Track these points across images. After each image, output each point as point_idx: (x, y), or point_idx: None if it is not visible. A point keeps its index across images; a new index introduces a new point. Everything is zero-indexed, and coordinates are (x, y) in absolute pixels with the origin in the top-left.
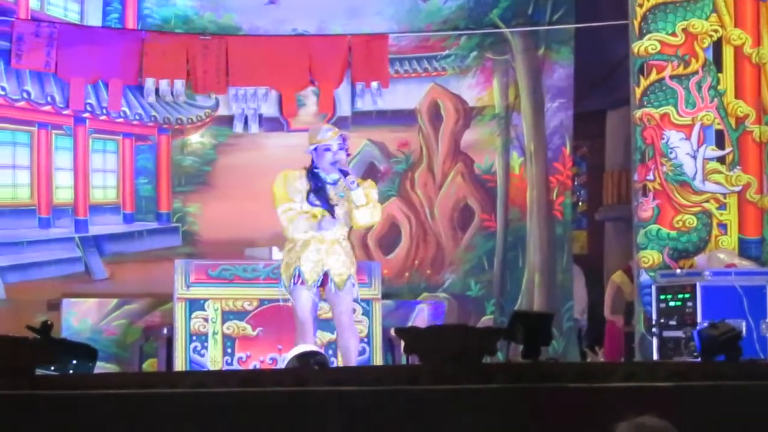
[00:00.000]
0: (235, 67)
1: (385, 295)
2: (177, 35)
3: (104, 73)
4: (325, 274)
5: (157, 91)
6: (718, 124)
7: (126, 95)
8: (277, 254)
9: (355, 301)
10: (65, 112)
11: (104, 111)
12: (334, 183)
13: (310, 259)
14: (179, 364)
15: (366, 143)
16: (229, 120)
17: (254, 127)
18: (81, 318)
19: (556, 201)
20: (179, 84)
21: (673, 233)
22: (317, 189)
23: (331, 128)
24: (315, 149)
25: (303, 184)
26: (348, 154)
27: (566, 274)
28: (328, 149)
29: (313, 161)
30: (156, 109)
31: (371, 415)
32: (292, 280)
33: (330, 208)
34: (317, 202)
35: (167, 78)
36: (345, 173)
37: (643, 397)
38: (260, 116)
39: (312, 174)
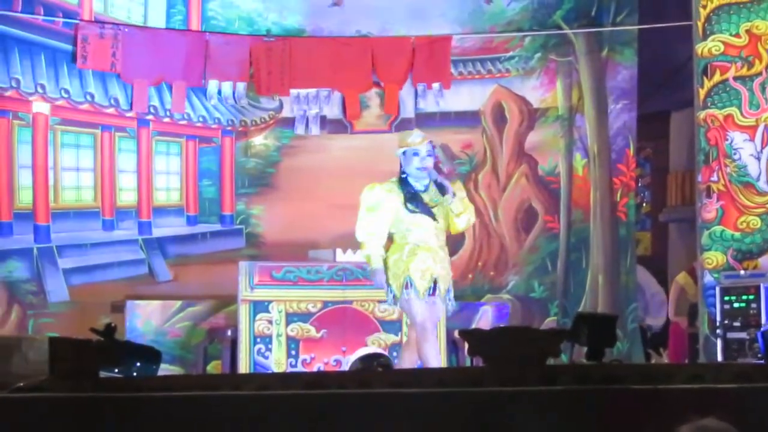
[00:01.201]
0: (298, 68)
1: None
2: (241, 37)
3: (168, 75)
4: (435, 283)
5: (219, 93)
6: None
7: (189, 97)
8: (341, 256)
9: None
10: (128, 114)
11: (167, 113)
12: (426, 188)
13: (419, 268)
14: (243, 366)
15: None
16: (292, 122)
17: (315, 129)
18: (145, 320)
19: (619, 202)
20: (241, 87)
21: (737, 234)
22: (412, 195)
23: (421, 134)
24: (404, 153)
25: (394, 197)
26: (437, 161)
27: (630, 275)
28: (416, 154)
29: (401, 166)
30: (219, 111)
31: (434, 417)
32: (404, 290)
33: (430, 212)
34: (416, 209)
35: (230, 80)
36: (441, 186)
37: (706, 399)
38: (323, 118)
39: (402, 180)
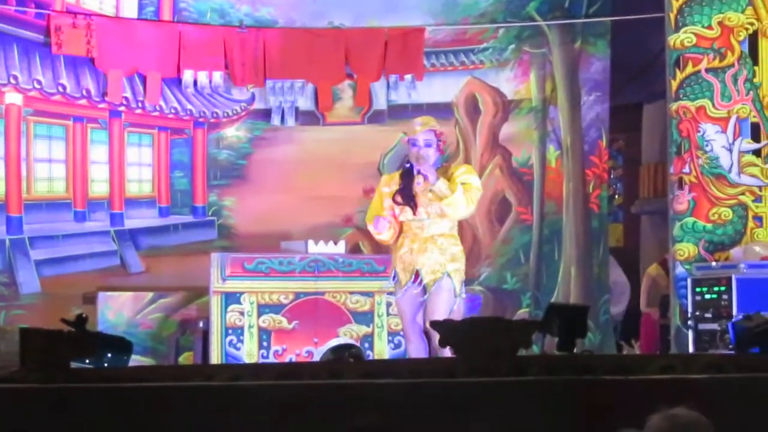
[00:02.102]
0: (272, 60)
1: None
2: (214, 27)
3: (142, 66)
4: (417, 274)
5: (195, 83)
6: (754, 116)
7: (162, 89)
8: (312, 247)
9: (457, 297)
10: (101, 105)
11: (139, 104)
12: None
13: (403, 259)
14: (215, 358)
15: (401, 137)
16: (264, 113)
17: (290, 121)
18: (117, 311)
19: (592, 194)
20: (218, 75)
21: (709, 226)
22: (403, 188)
23: (422, 122)
24: (407, 142)
25: (389, 188)
26: (440, 152)
27: (602, 267)
28: (414, 144)
29: (406, 155)
30: (191, 102)
31: (406, 407)
32: (392, 282)
33: (412, 204)
34: (401, 201)
35: (205, 70)
36: (419, 172)
37: (678, 390)
38: (297, 110)
39: (404, 171)
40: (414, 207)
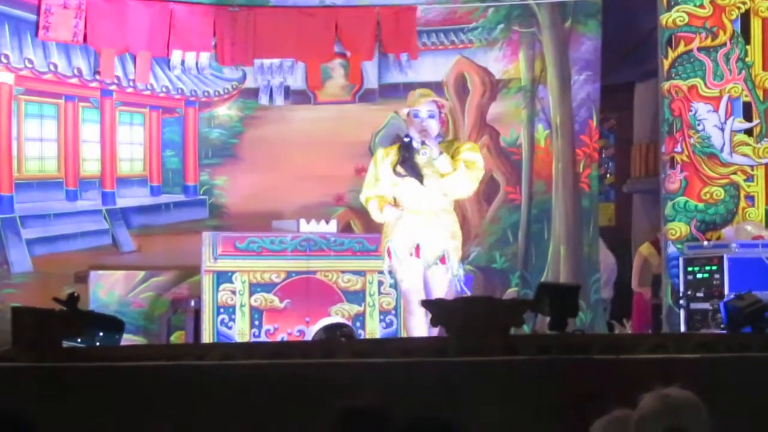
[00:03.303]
0: (261, 38)
1: None
2: (205, 6)
3: (133, 45)
4: (417, 249)
5: (182, 63)
6: (746, 96)
7: (152, 67)
8: (304, 226)
9: (459, 284)
10: (92, 84)
11: (131, 83)
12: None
13: (401, 232)
14: (207, 337)
15: (392, 116)
16: (256, 92)
17: (279, 100)
18: (108, 290)
19: (582, 173)
20: (205, 57)
21: (701, 205)
22: (405, 159)
23: (425, 93)
24: (408, 114)
25: (388, 160)
26: (442, 123)
27: (592, 246)
28: (416, 115)
29: (408, 128)
30: (183, 81)
31: (398, 386)
32: (388, 256)
33: (418, 175)
34: (404, 173)
35: (193, 50)
36: (423, 144)
37: (669, 369)
38: (287, 89)
39: (404, 143)
40: (421, 178)
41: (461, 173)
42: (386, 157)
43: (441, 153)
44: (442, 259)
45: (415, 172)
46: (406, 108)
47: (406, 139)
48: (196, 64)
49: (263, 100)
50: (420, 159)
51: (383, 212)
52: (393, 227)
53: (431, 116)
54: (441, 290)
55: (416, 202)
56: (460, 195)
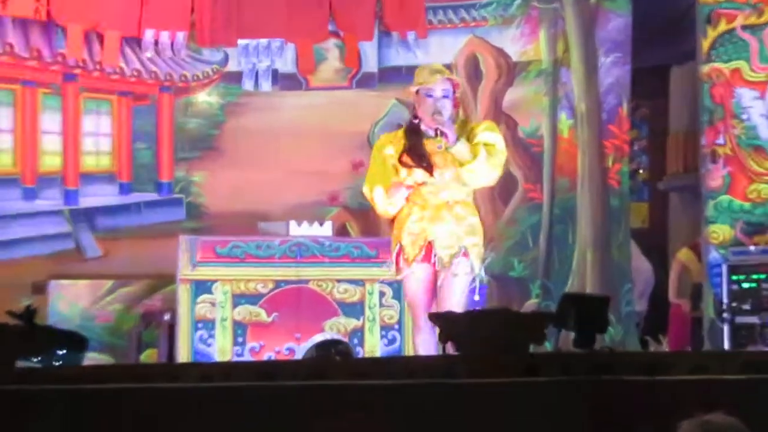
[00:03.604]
0: (246, 16)
1: None
2: None
3: (102, 22)
4: (429, 248)
5: (156, 44)
6: None
7: (122, 49)
8: (295, 229)
9: (476, 281)
10: (53, 67)
11: (97, 66)
12: (435, 134)
13: (411, 231)
14: (183, 355)
15: (394, 103)
16: (239, 77)
17: (266, 85)
18: (70, 302)
19: (611, 169)
20: (181, 36)
21: (747, 205)
22: (411, 146)
23: (438, 69)
24: (417, 93)
25: (393, 147)
26: (456, 106)
27: (623, 251)
28: (429, 95)
29: (414, 109)
30: (157, 64)
31: (401, 412)
32: (399, 258)
33: (427, 165)
34: (411, 163)
35: (168, 29)
36: (438, 131)
37: (711, 392)
38: (275, 72)
39: (410, 127)
40: (429, 168)
41: (482, 160)
42: (390, 144)
43: (458, 138)
44: (460, 258)
45: (425, 162)
46: (414, 86)
47: (415, 121)
48: (172, 44)
49: (248, 85)
50: (429, 146)
51: (395, 195)
52: (404, 225)
53: (445, 96)
54: (456, 297)
55: (424, 194)
56: (483, 184)
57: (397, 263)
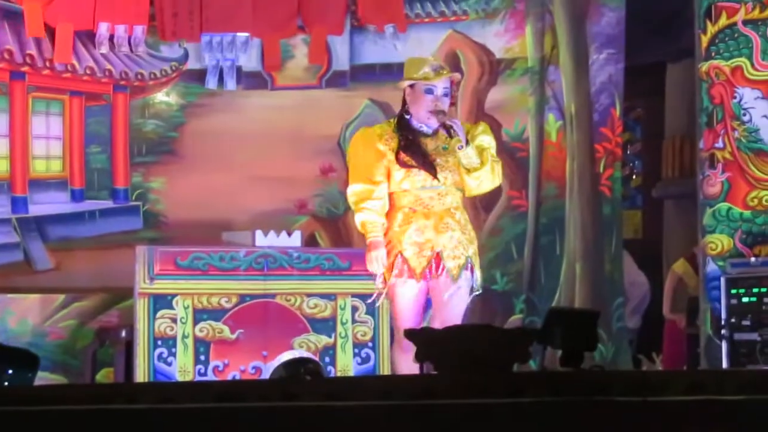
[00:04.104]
0: (209, 9)
1: None
2: None
3: (52, 14)
4: (438, 259)
5: (111, 39)
6: None
7: (74, 44)
8: (261, 239)
9: (474, 293)
10: None
11: (47, 64)
12: (433, 131)
13: (415, 241)
14: (141, 375)
15: (367, 103)
16: (200, 75)
17: (231, 84)
18: (20, 318)
19: (602, 174)
20: (139, 31)
21: (747, 213)
22: (408, 144)
23: (439, 63)
24: (411, 87)
25: (385, 143)
26: (453, 104)
27: (615, 263)
28: (430, 91)
29: (404, 103)
30: (111, 61)
31: None
32: (395, 271)
33: (430, 166)
34: (411, 162)
35: (125, 23)
36: (447, 128)
37: (708, 413)
38: (239, 70)
39: (402, 123)
40: (434, 171)
41: (489, 168)
42: (379, 140)
43: (469, 144)
44: (468, 269)
45: (427, 162)
46: (409, 81)
47: (407, 117)
48: (129, 39)
49: (211, 83)
50: (429, 143)
51: (363, 214)
52: (399, 233)
53: (446, 94)
54: (460, 310)
55: (425, 199)
56: (481, 193)
57: (390, 275)
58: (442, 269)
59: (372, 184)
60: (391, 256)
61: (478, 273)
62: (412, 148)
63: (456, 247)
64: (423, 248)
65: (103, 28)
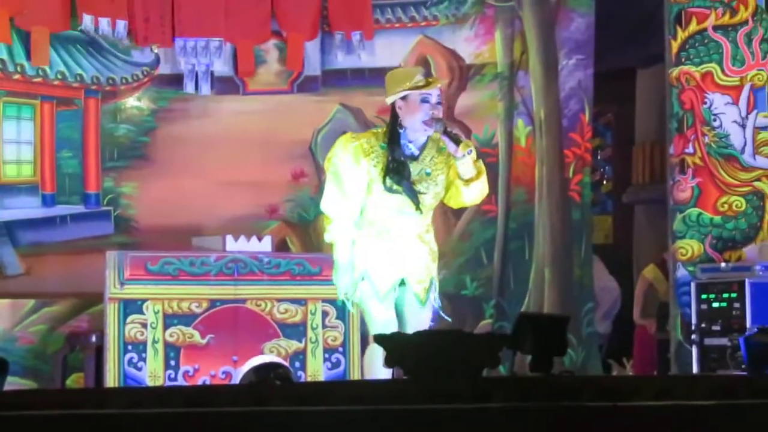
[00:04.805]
0: (182, 14)
1: None
2: None
3: (28, 17)
4: (402, 283)
5: (96, 31)
6: None
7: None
8: (231, 244)
9: (437, 313)
10: None
11: (18, 68)
12: (419, 151)
13: (382, 262)
14: (111, 380)
15: (338, 108)
16: (171, 80)
17: (206, 88)
18: None
19: (572, 180)
20: (122, 25)
21: (717, 218)
22: (398, 165)
23: (423, 70)
24: (404, 99)
25: (376, 161)
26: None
27: (585, 268)
28: (426, 100)
29: (394, 116)
30: (82, 65)
31: None
32: (359, 289)
33: (414, 195)
34: (398, 188)
35: (108, 16)
36: (455, 138)
37: (678, 419)
38: (211, 75)
39: (393, 139)
40: (417, 202)
41: (484, 179)
42: (364, 156)
43: (472, 151)
44: (432, 292)
45: (412, 190)
46: (402, 92)
47: (401, 130)
48: (114, 32)
49: (189, 87)
50: (414, 165)
51: (336, 231)
52: (370, 252)
53: (439, 102)
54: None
55: (402, 224)
56: (475, 203)
57: (354, 293)
58: (408, 293)
59: (350, 203)
60: (357, 272)
61: (437, 291)
62: (400, 173)
63: (422, 270)
64: (389, 272)
65: (87, 20)
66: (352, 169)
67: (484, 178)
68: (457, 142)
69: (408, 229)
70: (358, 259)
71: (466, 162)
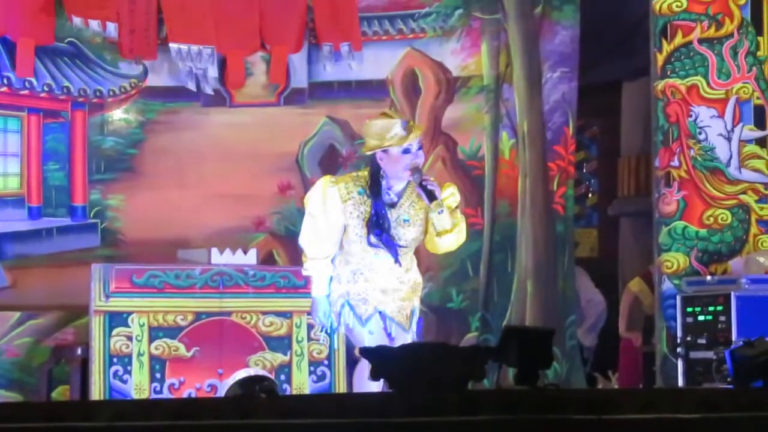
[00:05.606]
0: (173, 24)
1: None
2: None
3: (12, 28)
4: (383, 315)
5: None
6: (758, 98)
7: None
8: (217, 257)
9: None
10: None
11: (4, 80)
12: (398, 197)
13: (358, 292)
14: (96, 392)
15: (325, 121)
16: (159, 92)
17: (209, 88)
18: None
19: (556, 192)
20: (112, 27)
21: (703, 231)
22: (379, 219)
23: (404, 119)
24: (385, 152)
25: (357, 207)
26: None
27: (568, 281)
28: (407, 151)
29: (376, 167)
30: (69, 77)
31: None
32: (339, 318)
33: (395, 252)
34: (380, 244)
35: (97, 18)
36: (430, 194)
37: None
38: (198, 87)
39: (375, 189)
40: (396, 257)
41: (462, 229)
42: (350, 199)
43: (442, 207)
44: (414, 317)
45: (392, 247)
46: (383, 144)
47: (383, 181)
48: (103, 34)
49: (190, 86)
50: (392, 213)
51: (315, 267)
52: (346, 281)
53: (420, 147)
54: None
55: (374, 266)
56: (450, 251)
57: (343, 322)
58: (386, 321)
59: (326, 244)
60: (338, 304)
61: (416, 317)
62: (381, 225)
63: (402, 301)
64: (368, 305)
65: (77, 22)
66: (329, 215)
67: (459, 228)
68: (431, 197)
69: (386, 273)
70: (335, 294)
71: (442, 218)
